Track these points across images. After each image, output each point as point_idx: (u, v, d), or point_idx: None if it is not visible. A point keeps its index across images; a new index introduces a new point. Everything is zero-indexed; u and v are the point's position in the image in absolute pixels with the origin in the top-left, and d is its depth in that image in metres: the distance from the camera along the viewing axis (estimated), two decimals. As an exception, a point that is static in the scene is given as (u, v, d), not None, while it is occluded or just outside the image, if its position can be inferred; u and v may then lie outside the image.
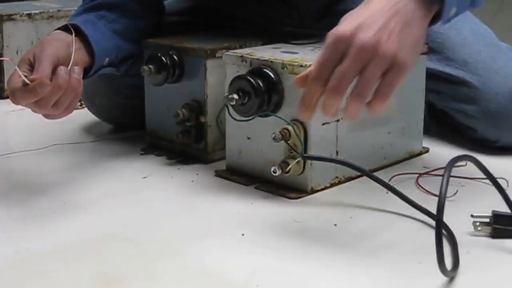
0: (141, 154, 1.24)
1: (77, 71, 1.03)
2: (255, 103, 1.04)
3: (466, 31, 1.27)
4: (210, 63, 1.17)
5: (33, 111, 1.03)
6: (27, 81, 0.97)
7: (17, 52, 1.66)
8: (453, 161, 0.89)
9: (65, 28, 1.11)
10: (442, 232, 0.81)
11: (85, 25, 1.13)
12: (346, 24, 0.89)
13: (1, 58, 1.61)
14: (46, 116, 1.05)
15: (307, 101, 0.88)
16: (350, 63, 0.86)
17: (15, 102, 1.00)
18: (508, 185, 0.98)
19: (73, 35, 1.09)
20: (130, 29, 1.22)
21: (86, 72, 1.11)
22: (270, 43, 1.17)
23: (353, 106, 0.86)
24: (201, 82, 1.17)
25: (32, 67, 1.02)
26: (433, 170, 1.13)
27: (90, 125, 1.41)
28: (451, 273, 0.81)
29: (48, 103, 1.00)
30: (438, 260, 0.79)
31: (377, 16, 0.88)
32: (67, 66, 1.02)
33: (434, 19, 0.93)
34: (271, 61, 1.05)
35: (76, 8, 1.26)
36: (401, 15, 0.89)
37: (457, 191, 1.05)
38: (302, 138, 1.03)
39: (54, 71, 1.01)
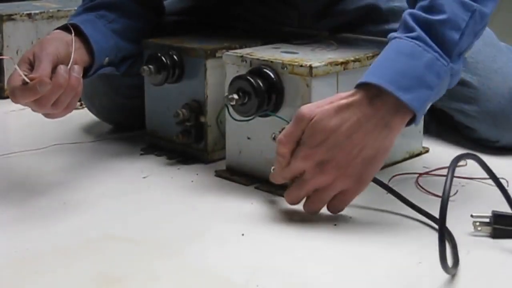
0: (141, 154, 1.24)
1: (77, 70, 1.03)
2: (255, 103, 1.04)
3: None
4: (210, 63, 1.17)
5: (33, 110, 1.03)
6: (27, 79, 0.97)
7: (17, 52, 1.66)
8: (457, 160, 0.89)
9: (64, 28, 1.11)
10: (445, 230, 0.81)
11: (85, 24, 1.13)
12: (309, 146, 0.94)
13: (1, 57, 1.61)
14: (46, 115, 1.05)
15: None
16: (307, 181, 0.95)
17: (15, 101, 1.00)
18: (508, 185, 0.98)
19: (73, 34, 1.09)
20: (130, 29, 1.22)
21: (86, 71, 1.11)
22: (270, 43, 1.17)
23: (307, 211, 0.97)
24: (201, 82, 1.17)
25: (32, 66, 1.02)
26: (433, 170, 1.13)
27: (90, 125, 1.41)
28: (452, 270, 0.81)
29: (48, 102, 1.00)
30: (440, 257, 0.79)
31: (345, 145, 0.92)
32: (67, 65, 1.02)
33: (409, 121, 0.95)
34: (271, 61, 1.05)
35: (76, 8, 1.26)
36: (364, 142, 0.93)
37: (457, 191, 1.05)
38: (302, 138, 1.03)
39: (54, 70, 1.01)
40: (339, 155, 0.92)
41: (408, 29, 0.95)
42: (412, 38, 0.94)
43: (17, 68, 0.99)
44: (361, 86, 0.93)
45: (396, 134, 0.94)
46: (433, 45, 0.93)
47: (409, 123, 0.95)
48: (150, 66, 1.18)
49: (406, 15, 0.96)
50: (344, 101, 0.93)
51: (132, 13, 1.23)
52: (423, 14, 0.95)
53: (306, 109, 0.94)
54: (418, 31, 0.94)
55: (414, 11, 0.96)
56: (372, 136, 0.92)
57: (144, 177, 1.14)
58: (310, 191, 0.95)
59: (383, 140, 0.93)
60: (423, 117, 1.21)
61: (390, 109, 0.92)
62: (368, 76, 0.93)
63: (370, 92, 0.92)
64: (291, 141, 0.94)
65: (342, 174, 0.93)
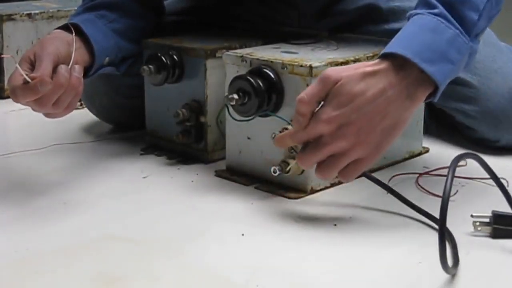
0: (141, 154, 1.24)
1: (78, 70, 1.03)
2: (255, 103, 1.04)
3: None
4: (210, 63, 1.17)
5: (33, 109, 1.03)
6: (28, 79, 0.97)
7: (17, 52, 1.66)
8: (457, 160, 0.89)
9: (65, 27, 1.12)
10: (446, 230, 0.81)
11: (85, 24, 1.13)
12: (332, 109, 0.91)
13: (2, 56, 1.61)
14: (46, 115, 1.05)
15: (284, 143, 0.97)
16: (325, 144, 0.92)
17: (16, 100, 1.00)
18: (508, 185, 0.98)
19: (73, 34, 1.09)
20: (130, 29, 1.22)
21: (86, 71, 1.11)
22: (270, 43, 1.17)
23: (320, 176, 0.95)
24: (201, 82, 1.17)
25: (32, 65, 1.02)
26: (433, 170, 1.13)
27: (90, 125, 1.41)
28: (452, 270, 0.81)
29: (49, 101, 1.00)
30: (440, 257, 0.79)
31: (368, 110, 0.91)
32: (68, 65, 1.02)
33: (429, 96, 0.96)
34: (271, 61, 1.05)
35: (76, 8, 1.26)
36: (387, 111, 0.92)
37: (457, 191, 1.05)
38: (302, 138, 1.03)
39: (54, 69, 1.01)
40: (361, 120, 0.91)
41: (429, 5, 0.97)
42: (435, 14, 0.96)
43: (18, 67, 0.99)
44: (386, 56, 0.94)
45: (417, 106, 0.95)
46: (455, 22, 0.96)
47: (428, 98, 0.96)
48: (150, 66, 1.18)
49: None
50: (370, 68, 0.93)
51: (132, 13, 1.23)
52: None
53: (332, 71, 0.93)
54: (440, 8, 0.96)
55: None
56: (395, 105, 0.92)
57: (144, 177, 1.14)
58: (326, 156, 0.93)
59: (404, 111, 0.93)
60: (423, 117, 1.21)
61: (414, 80, 0.93)
62: (392, 47, 0.94)
63: (395, 62, 0.93)
64: (313, 101, 0.93)
65: (361, 141, 0.92)
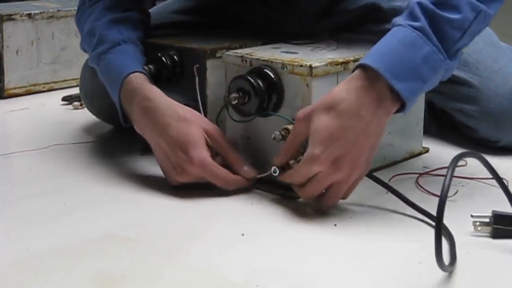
0: (141, 154, 1.24)
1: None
2: (255, 103, 1.04)
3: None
4: (210, 63, 1.17)
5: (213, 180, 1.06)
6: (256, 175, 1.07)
7: (17, 52, 1.66)
8: (458, 158, 0.89)
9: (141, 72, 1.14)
10: (442, 228, 0.81)
11: (141, 62, 1.16)
12: (320, 150, 0.94)
13: None
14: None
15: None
16: (324, 179, 0.96)
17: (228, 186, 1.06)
18: (508, 185, 0.98)
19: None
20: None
21: None
22: (270, 43, 1.17)
23: (321, 206, 0.99)
24: (201, 82, 1.17)
25: (207, 143, 1.06)
26: (433, 170, 1.13)
27: (90, 125, 1.41)
28: (448, 268, 0.81)
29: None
30: (436, 254, 0.79)
31: (348, 135, 0.94)
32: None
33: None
34: (271, 61, 1.05)
35: (76, 8, 1.26)
36: (368, 131, 0.95)
37: (457, 191, 1.05)
38: (302, 138, 1.03)
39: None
40: (351, 149, 0.95)
41: (413, 17, 0.97)
42: (415, 28, 0.96)
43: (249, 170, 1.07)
44: (360, 67, 0.96)
45: (388, 117, 0.97)
46: (434, 38, 0.96)
47: (398, 111, 0.98)
48: (150, 66, 1.18)
49: (414, 3, 0.98)
50: (341, 87, 0.96)
51: (140, 25, 1.23)
52: (432, 7, 0.97)
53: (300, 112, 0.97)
54: (423, 22, 0.96)
55: (424, 1, 0.97)
56: (373, 122, 0.95)
57: (144, 177, 1.14)
58: (326, 186, 0.97)
59: (380, 124, 0.96)
60: (423, 117, 1.21)
61: (384, 93, 0.95)
62: (367, 59, 0.96)
63: (368, 74, 0.95)
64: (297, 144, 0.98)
65: (356, 165, 0.96)
